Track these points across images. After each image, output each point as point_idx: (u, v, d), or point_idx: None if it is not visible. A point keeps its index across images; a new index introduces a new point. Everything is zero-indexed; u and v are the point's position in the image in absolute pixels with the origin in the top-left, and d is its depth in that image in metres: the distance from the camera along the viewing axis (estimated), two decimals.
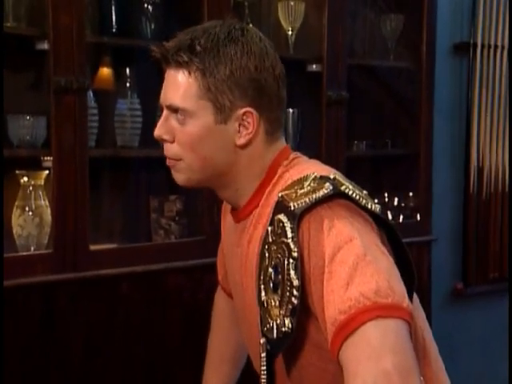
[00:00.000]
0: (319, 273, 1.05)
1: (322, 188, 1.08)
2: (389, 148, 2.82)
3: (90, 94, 2.09)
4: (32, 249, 2.00)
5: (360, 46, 2.87)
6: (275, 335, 1.07)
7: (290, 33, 2.52)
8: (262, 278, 1.10)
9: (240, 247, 1.22)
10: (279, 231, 1.08)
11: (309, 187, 1.09)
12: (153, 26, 2.24)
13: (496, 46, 3.09)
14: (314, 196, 1.07)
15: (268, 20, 2.64)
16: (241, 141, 1.17)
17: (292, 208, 1.07)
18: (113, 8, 2.22)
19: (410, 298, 1.06)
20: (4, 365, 1.80)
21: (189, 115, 1.15)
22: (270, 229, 1.10)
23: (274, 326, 1.07)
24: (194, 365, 2.14)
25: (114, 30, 2.22)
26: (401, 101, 2.88)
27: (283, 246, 1.06)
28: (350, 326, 0.98)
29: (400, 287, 1.03)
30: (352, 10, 2.71)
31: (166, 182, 2.46)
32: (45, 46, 1.93)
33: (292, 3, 2.49)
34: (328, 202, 1.08)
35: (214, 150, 1.17)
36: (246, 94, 1.15)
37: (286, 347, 1.09)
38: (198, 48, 1.14)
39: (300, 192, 1.08)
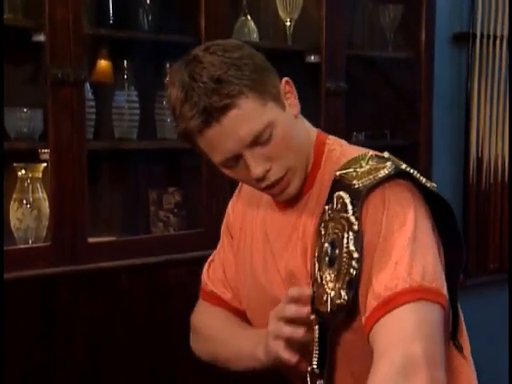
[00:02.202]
0: (372, 249, 1.08)
1: (384, 167, 1.11)
2: (388, 139, 2.81)
3: (88, 86, 2.08)
4: (30, 242, 2.00)
5: (359, 36, 2.86)
6: (329, 308, 1.09)
7: (288, 24, 2.51)
8: (316, 255, 1.13)
9: (296, 231, 1.21)
10: (338, 207, 1.10)
11: (368, 166, 1.12)
12: (150, 18, 2.23)
13: (495, 37, 3.08)
14: (378, 175, 1.10)
15: (266, 11, 2.63)
16: (295, 109, 1.20)
17: (356, 186, 1.10)
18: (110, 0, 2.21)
19: (458, 278, 1.15)
20: (4, 359, 1.80)
21: (271, 126, 1.13)
22: (327, 207, 1.13)
23: (329, 300, 1.09)
24: (197, 356, 2.14)
25: (111, 22, 2.21)
26: (400, 91, 2.86)
27: (342, 220, 1.09)
28: (393, 303, 1.02)
29: (442, 276, 1.08)
30: (350, 0, 2.70)
31: (165, 174, 2.46)
32: (41, 37, 1.92)
33: None
34: (390, 182, 1.11)
35: (295, 135, 1.19)
36: (272, 71, 1.18)
37: (341, 322, 1.11)
38: (227, 78, 1.10)
39: (361, 171, 1.11)
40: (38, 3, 1.93)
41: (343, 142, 1.27)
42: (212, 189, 2.17)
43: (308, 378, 1.14)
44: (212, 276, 1.41)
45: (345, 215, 1.09)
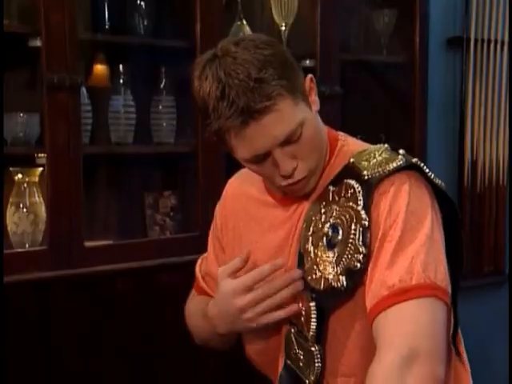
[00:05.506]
0: (384, 239, 1.09)
1: (395, 159, 1.13)
2: (383, 142, 2.81)
3: (84, 90, 2.09)
4: (27, 246, 2.00)
5: (353, 41, 2.87)
6: (322, 287, 1.11)
7: (283, 28, 2.52)
8: (312, 230, 1.15)
9: (297, 223, 1.21)
10: (348, 196, 1.12)
11: (381, 157, 1.14)
12: (146, 23, 2.24)
13: (489, 41, 3.09)
14: (387, 167, 1.12)
15: (261, 16, 2.65)
16: (317, 105, 1.19)
17: (366, 177, 1.12)
18: (105, 5, 2.22)
19: (459, 278, 1.19)
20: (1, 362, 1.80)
21: (302, 125, 1.13)
22: (331, 188, 1.15)
23: (323, 279, 1.11)
24: (191, 360, 2.14)
25: (106, 27, 2.22)
26: (394, 96, 2.88)
27: (351, 211, 1.10)
28: (407, 294, 1.05)
29: (448, 277, 1.11)
30: (345, 5, 2.71)
31: (161, 177, 2.47)
32: (37, 43, 1.93)
33: None
34: (402, 174, 1.13)
35: (320, 133, 1.19)
36: (299, 69, 1.17)
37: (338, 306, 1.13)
38: (266, 77, 1.08)
39: (373, 161, 1.13)
40: (33, 9, 1.94)
41: (354, 139, 1.27)
42: (208, 192, 2.18)
43: (293, 340, 1.18)
44: (203, 271, 1.46)
45: (354, 206, 1.10)
